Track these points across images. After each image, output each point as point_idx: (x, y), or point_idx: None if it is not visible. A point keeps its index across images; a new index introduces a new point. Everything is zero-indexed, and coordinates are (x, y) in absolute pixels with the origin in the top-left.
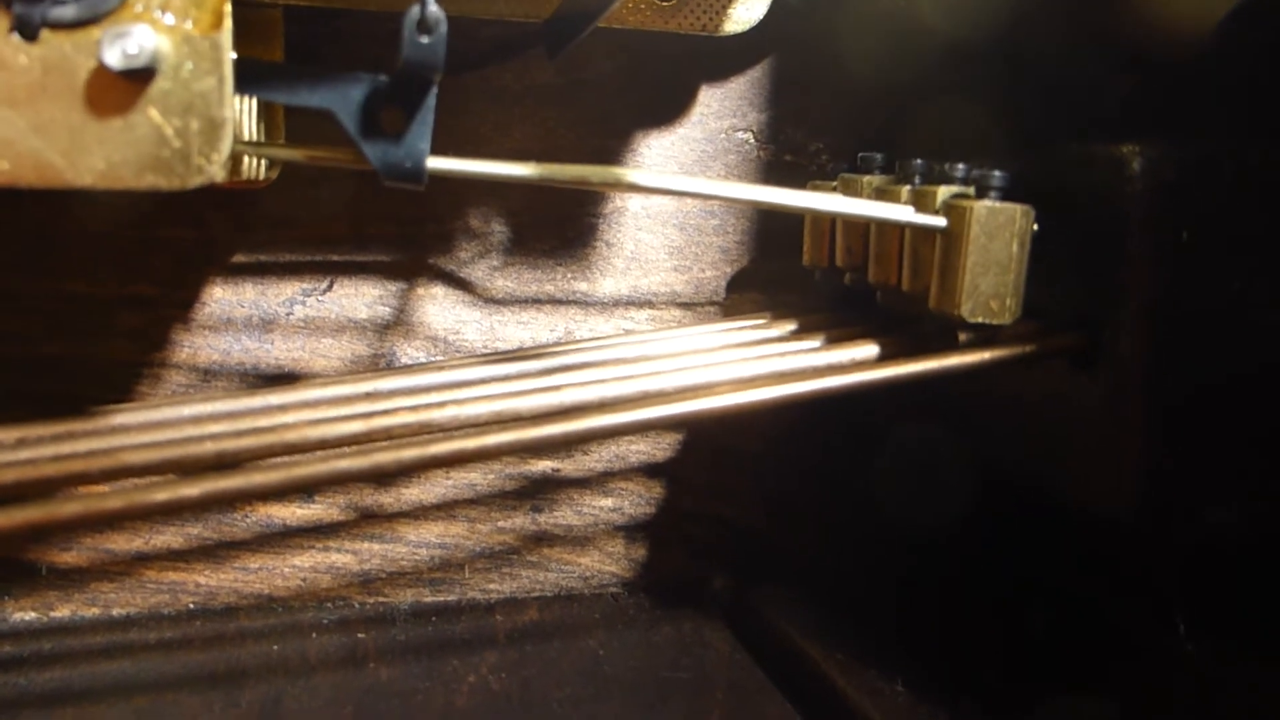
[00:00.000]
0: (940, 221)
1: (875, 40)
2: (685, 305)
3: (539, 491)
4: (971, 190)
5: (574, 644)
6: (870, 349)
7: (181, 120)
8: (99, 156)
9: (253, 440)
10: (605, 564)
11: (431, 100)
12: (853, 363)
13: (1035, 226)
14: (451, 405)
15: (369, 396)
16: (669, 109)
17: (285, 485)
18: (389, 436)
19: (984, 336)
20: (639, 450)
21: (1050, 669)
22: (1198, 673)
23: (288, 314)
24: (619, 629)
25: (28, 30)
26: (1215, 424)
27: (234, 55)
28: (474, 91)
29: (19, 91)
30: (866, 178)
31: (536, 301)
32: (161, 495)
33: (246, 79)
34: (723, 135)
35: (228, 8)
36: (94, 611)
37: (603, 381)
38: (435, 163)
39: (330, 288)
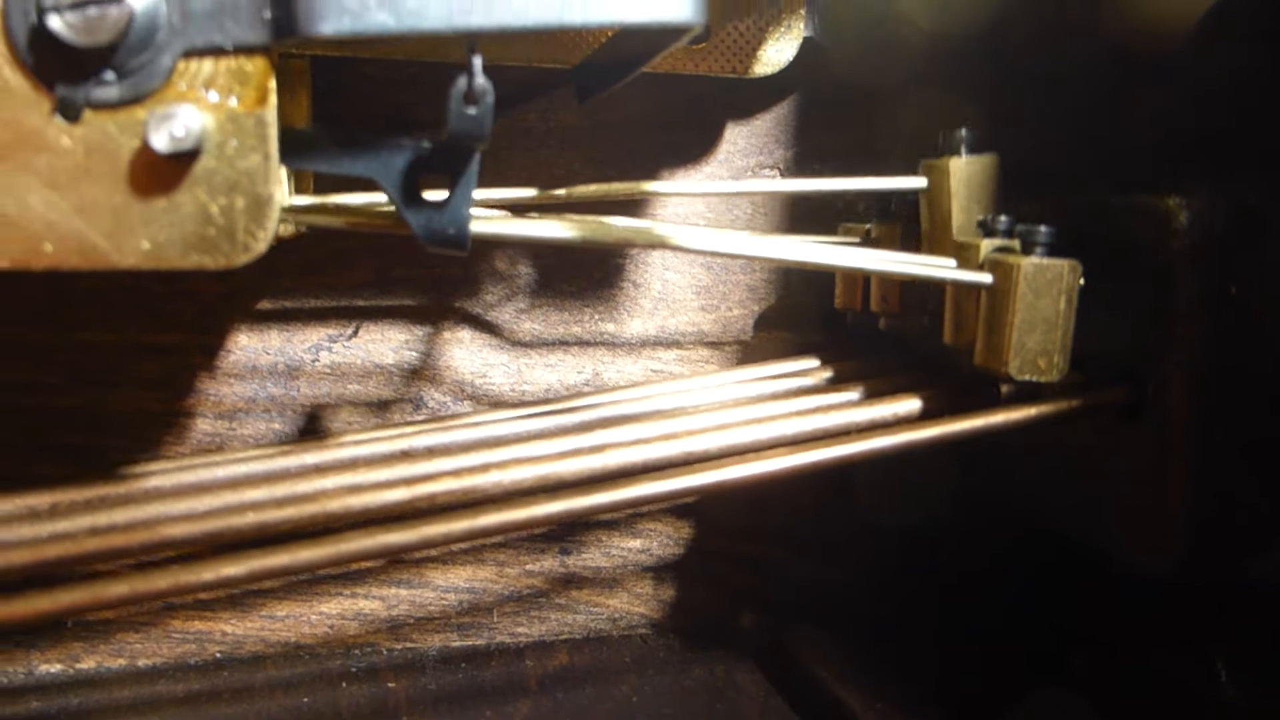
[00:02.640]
0: (986, 279)
1: (901, 77)
2: (713, 345)
3: (567, 533)
4: (1016, 244)
5: (606, 690)
6: (913, 403)
7: (227, 198)
8: (143, 237)
9: (294, 510)
10: (634, 605)
11: (475, 166)
12: (896, 419)
13: (1081, 281)
14: (495, 470)
15: (406, 455)
16: (695, 147)
17: (332, 560)
18: (432, 504)
19: (1029, 391)
20: None
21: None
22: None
23: (313, 360)
24: (650, 673)
25: (71, 112)
26: (1261, 476)
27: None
28: (498, 133)
29: (62, 174)
30: (901, 231)
31: (564, 344)
32: (208, 574)
33: (290, 150)
34: (749, 173)
35: (272, 83)
36: (120, 663)
37: (646, 442)
38: (479, 226)
39: (356, 333)
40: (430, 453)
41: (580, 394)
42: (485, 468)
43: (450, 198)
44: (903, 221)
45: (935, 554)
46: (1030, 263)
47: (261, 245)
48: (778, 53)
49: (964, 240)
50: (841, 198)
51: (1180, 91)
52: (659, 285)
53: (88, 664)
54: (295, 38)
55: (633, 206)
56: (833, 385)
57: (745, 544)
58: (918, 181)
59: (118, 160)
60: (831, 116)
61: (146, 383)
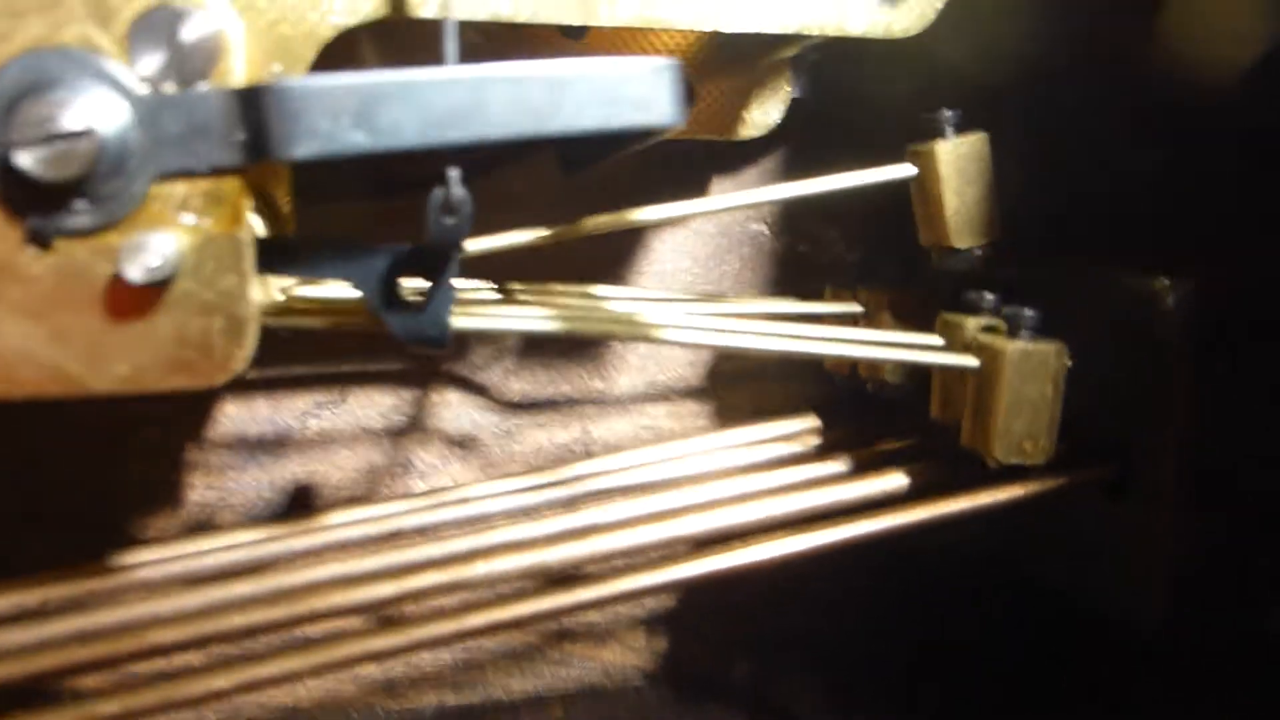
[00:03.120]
0: (973, 363)
1: (888, 131)
2: (703, 398)
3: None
4: (1002, 325)
5: None
6: (900, 479)
7: (204, 320)
8: (121, 362)
9: (283, 610)
10: (627, 658)
11: (454, 267)
12: (884, 496)
13: (1069, 363)
14: (481, 560)
15: (394, 538)
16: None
17: (320, 668)
18: (420, 597)
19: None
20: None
21: None
22: None
23: (302, 427)
24: None
25: (41, 241)
26: (1245, 547)
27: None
28: (478, 195)
29: (35, 302)
30: (889, 298)
31: (553, 402)
32: (197, 689)
33: (267, 259)
34: (737, 228)
35: (247, 204)
36: None
37: (631, 525)
38: (460, 322)
39: (344, 399)
40: (419, 533)
41: (569, 458)
42: (472, 557)
43: (430, 300)
44: (890, 287)
45: (930, 606)
46: (1016, 348)
47: (240, 364)
48: (764, 115)
49: (951, 319)
50: (828, 253)
51: (1178, 170)
52: None
53: (113, 706)
54: (268, 160)
55: (621, 249)
56: (821, 455)
57: (736, 595)
58: (906, 169)
59: (92, 286)
60: (817, 169)
61: (138, 454)
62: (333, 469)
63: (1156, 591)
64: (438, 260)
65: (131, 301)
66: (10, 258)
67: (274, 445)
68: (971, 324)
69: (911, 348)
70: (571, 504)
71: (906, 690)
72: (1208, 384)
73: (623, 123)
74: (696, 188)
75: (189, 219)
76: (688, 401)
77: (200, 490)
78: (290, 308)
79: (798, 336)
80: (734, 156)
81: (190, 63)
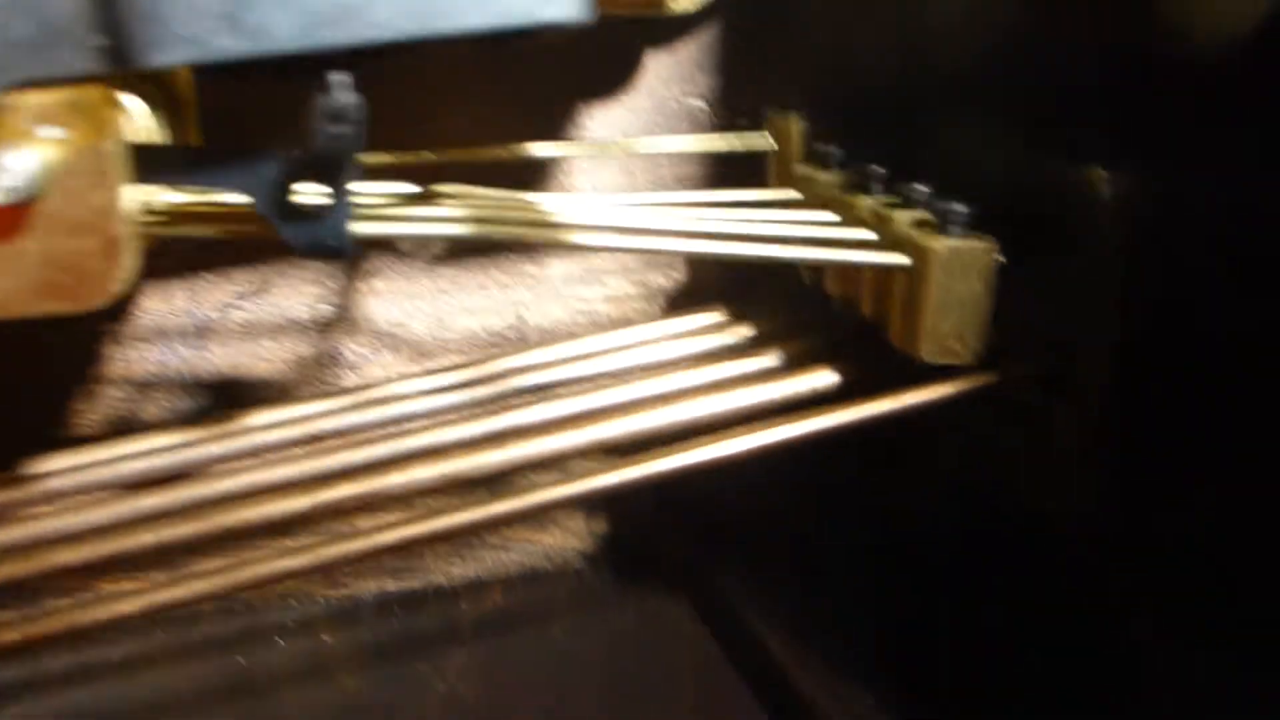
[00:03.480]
0: (904, 262)
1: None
2: (638, 282)
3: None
4: (933, 219)
5: (541, 632)
6: (830, 375)
7: (74, 239)
8: None
9: (194, 525)
10: (568, 540)
11: (351, 172)
12: (814, 393)
13: (1000, 259)
14: (395, 470)
15: (313, 443)
16: (613, 79)
17: (229, 588)
18: (336, 512)
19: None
20: None
21: (1016, 673)
22: (1160, 667)
23: (224, 319)
24: (584, 613)
25: None
26: (1176, 444)
27: (134, 140)
28: (393, 72)
29: None
30: (824, 176)
31: (484, 288)
32: (102, 614)
33: (149, 168)
34: (673, 103)
35: (113, 113)
36: None
37: (553, 428)
38: (361, 228)
39: (267, 288)
40: (343, 435)
41: (502, 345)
42: (386, 467)
43: (328, 208)
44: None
45: (861, 497)
46: (946, 245)
47: (117, 285)
48: None
49: (883, 212)
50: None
51: (1110, 65)
52: None
53: (13, 634)
54: (130, 67)
55: (551, 126)
56: (753, 348)
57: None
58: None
59: None
60: (759, 42)
61: (51, 352)
62: (258, 360)
63: (1085, 489)
64: (333, 166)
65: None
66: None
67: (194, 338)
68: (902, 218)
69: (843, 245)
70: (501, 400)
71: (839, 577)
72: (1144, 280)
73: (522, 20)
74: (631, 59)
75: (49, 132)
76: (624, 284)
77: (121, 386)
78: (181, 213)
79: (723, 236)
80: (667, 30)
81: None
